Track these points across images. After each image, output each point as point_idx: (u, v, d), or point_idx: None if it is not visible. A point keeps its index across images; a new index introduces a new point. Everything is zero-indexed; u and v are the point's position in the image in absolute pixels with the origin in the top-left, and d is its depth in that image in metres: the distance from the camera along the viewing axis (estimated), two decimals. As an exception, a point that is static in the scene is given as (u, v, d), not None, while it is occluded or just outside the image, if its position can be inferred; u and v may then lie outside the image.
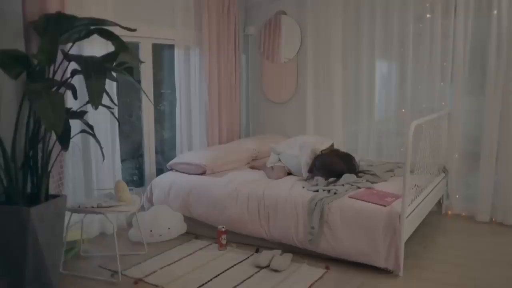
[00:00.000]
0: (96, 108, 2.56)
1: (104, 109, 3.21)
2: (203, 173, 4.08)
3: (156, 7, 4.35)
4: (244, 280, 3.08)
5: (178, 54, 4.59)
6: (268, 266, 3.28)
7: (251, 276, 3.15)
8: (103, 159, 3.20)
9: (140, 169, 4.73)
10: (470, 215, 4.40)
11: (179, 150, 4.71)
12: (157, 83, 4.73)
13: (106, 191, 3.66)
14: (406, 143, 3.12)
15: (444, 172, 4.42)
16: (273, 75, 5.42)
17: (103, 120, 3.79)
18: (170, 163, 4.30)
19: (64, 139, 3.01)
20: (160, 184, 4.12)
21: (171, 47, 4.63)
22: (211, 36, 4.80)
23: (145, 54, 4.36)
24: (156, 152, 4.66)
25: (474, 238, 3.90)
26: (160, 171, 4.65)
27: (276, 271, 3.21)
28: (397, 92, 4.69)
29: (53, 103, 2.38)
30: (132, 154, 4.81)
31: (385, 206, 3.20)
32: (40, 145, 2.88)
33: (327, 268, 3.27)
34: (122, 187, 3.35)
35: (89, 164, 3.75)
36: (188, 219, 3.98)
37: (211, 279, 3.10)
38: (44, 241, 2.73)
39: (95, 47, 3.59)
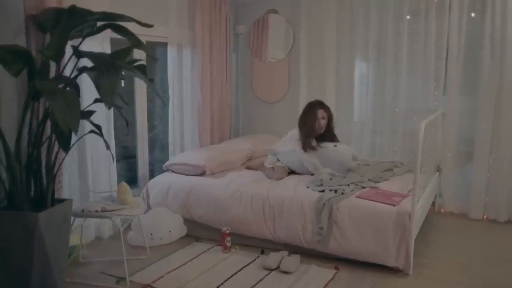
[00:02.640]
0: (109, 107, 2.46)
1: (100, 108, 3.09)
2: (202, 174, 3.98)
3: (151, 5, 4.22)
4: (256, 283, 3.02)
5: (171, 52, 4.49)
6: (277, 268, 3.22)
7: (262, 278, 3.09)
8: (113, 160, 3.07)
9: (132, 170, 4.59)
10: (462, 213, 4.48)
11: (172, 150, 4.60)
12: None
13: (104, 193, 3.53)
14: (417, 143, 3.14)
15: (438, 171, 4.48)
16: (263, 74, 5.37)
17: (99, 119, 3.63)
18: (166, 164, 4.18)
19: (67, 141, 2.87)
20: (158, 185, 3.98)
21: (163, 45, 4.51)
22: (204, 34, 4.70)
23: (140, 52, 4.22)
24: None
25: (471, 236, 3.97)
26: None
27: (286, 273, 3.17)
28: (390, 92, 4.71)
29: (68, 102, 2.25)
30: (122, 154, 4.66)
31: (394, 205, 3.21)
32: (43, 147, 2.73)
33: (336, 268, 3.25)
34: (125, 189, 3.23)
35: (85, 166, 3.60)
36: (187, 221, 3.88)
37: (222, 283, 3.02)
38: (50, 247, 2.59)
39: (93, 44, 3.46)
